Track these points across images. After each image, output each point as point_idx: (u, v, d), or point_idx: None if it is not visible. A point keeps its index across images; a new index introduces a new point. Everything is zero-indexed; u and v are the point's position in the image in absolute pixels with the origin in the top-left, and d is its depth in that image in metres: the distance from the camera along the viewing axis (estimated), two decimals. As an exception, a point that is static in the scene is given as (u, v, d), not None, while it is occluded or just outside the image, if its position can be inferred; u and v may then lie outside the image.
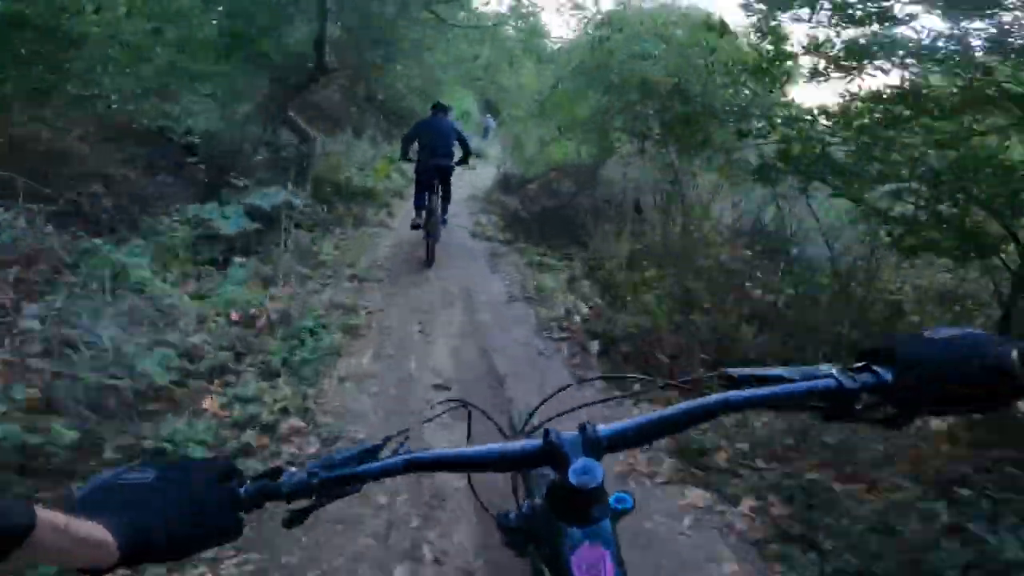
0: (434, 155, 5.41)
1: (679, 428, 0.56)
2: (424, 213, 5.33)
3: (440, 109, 5.70)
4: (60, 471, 1.83)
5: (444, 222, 5.80)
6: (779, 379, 0.54)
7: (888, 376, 0.52)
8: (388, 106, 12.47)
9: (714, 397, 0.55)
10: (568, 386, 0.76)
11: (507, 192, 9.44)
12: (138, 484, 0.47)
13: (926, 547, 1.55)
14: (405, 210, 6.99)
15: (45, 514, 0.39)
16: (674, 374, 2.73)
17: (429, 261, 5.29)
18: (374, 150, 10.14)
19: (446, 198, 5.70)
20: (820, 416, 0.54)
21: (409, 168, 6.13)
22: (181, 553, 0.46)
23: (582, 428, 0.54)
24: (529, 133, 9.60)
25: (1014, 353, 0.48)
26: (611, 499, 0.55)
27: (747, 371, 0.56)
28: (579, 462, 0.51)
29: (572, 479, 0.50)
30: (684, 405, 0.55)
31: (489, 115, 18.53)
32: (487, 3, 20.57)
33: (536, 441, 0.54)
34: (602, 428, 0.54)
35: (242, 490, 0.49)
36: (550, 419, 0.71)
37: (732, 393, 0.55)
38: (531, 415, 0.77)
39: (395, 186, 8.77)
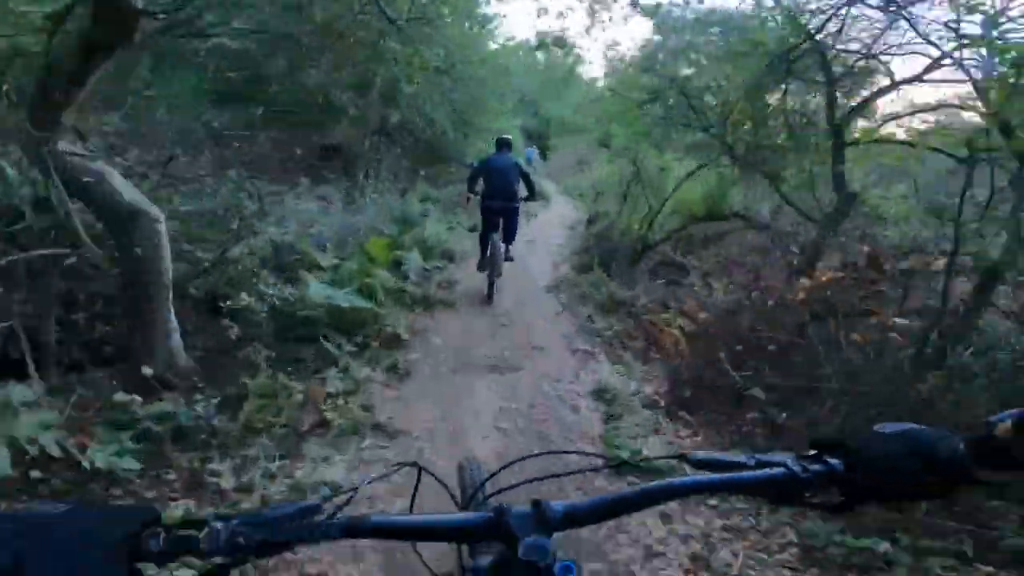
0: (496, 195, 5.45)
1: (635, 508, 0.56)
2: (488, 252, 5.46)
3: (504, 145, 5.71)
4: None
5: (510, 259, 5.89)
6: (736, 465, 0.56)
7: (839, 466, 0.55)
8: (412, 136, 9.02)
9: (673, 480, 0.55)
10: (527, 457, 0.74)
11: (610, 274, 6.33)
12: (48, 515, 0.44)
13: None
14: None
15: None
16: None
17: (490, 297, 5.46)
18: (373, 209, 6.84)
19: (509, 237, 5.76)
20: (771, 500, 0.58)
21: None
22: None
23: (535, 504, 0.53)
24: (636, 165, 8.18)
25: (961, 446, 0.51)
26: (557, 568, 0.52)
27: (705, 455, 0.58)
28: (529, 539, 0.49)
29: (521, 555, 0.49)
30: (642, 487, 0.56)
31: (532, 146, 18.63)
32: (512, 38, 21.00)
33: (486, 514, 0.53)
34: (556, 505, 0.53)
35: (154, 541, 0.46)
36: (501, 490, 0.70)
37: (690, 478, 0.56)
38: (483, 484, 0.75)
39: (417, 293, 5.16)
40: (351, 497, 0.55)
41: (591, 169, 16.11)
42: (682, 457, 0.58)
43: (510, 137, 6.04)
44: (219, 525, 0.47)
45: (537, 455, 0.75)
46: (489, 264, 5.41)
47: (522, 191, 5.66)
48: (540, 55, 28.34)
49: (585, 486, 2.33)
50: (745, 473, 0.55)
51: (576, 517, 0.53)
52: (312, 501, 0.51)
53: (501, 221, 5.55)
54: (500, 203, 5.46)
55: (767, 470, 0.55)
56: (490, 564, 0.54)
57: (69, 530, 0.44)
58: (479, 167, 5.71)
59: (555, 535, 0.52)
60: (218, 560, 0.47)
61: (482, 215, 5.64)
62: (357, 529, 0.50)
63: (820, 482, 0.54)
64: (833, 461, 0.55)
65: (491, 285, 5.44)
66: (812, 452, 0.57)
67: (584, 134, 19.54)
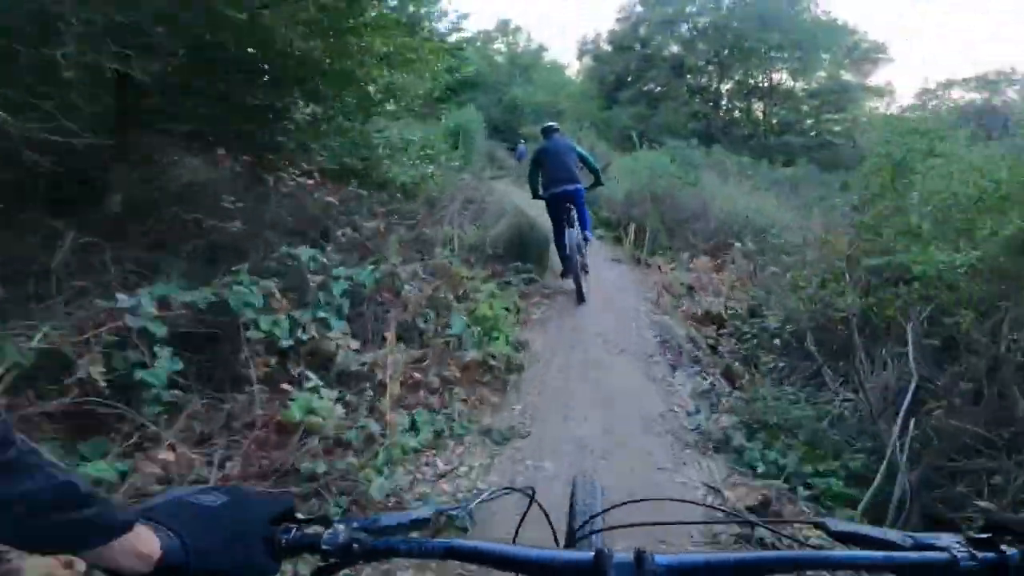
0: (558, 181, 5.02)
1: (753, 573, 0.50)
2: (568, 251, 4.98)
3: (552, 131, 5.31)
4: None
5: (587, 239, 5.28)
6: (885, 543, 0.50)
7: (1015, 557, 0.46)
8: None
9: (807, 553, 0.49)
10: (643, 500, 0.70)
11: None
12: (206, 506, 0.51)
13: None
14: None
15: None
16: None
17: (580, 297, 4.93)
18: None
19: (583, 219, 5.19)
20: None
21: None
22: None
23: (639, 554, 0.49)
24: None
25: None
26: None
27: (850, 527, 0.51)
28: None
29: None
30: (772, 553, 0.50)
31: (521, 142, 16.84)
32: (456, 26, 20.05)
33: (586, 555, 0.50)
34: (660, 558, 0.49)
35: (286, 536, 0.52)
36: (610, 528, 0.68)
37: (832, 552, 0.49)
38: (590, 520, 0.73)
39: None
40: (459, 514, 0.60)
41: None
42: (821, 525, 0.52)
43: (554, 124, 5.61)
44: (341, 526, 0.52)
45: (656, 500, 0.70)
46: (572, 266, 4.90)
47: (585, 179, 5.22)
48: (501, 44, 27.68)
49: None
50: (896, 553, 0.48)
51: (683, 574, 0.49)
52: (424, 513, 0.56)
53: (570, 208, 5.00)
54: (563, 188, 4.99)
55: (925, 553, 0.48)
56: None
57: (227, 519, 0.51)
58: (535, 158, 5.31)
59: None
60: (332, 560, 0.51)
61: (548, 209, 5.17)
62: (458, 551, 0.52)
63: (989, 574, 0.46)
64: (1010, 551, 0.47)
65: (579, 287, 4.92)
66: (985, 535, 0.49)
67: (565, 119, 18.43)
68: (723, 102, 25.68)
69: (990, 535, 0.48)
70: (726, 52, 24.25)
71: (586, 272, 5.16)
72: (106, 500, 0.45)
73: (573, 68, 29.62)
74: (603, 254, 7.14)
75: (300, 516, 0.54)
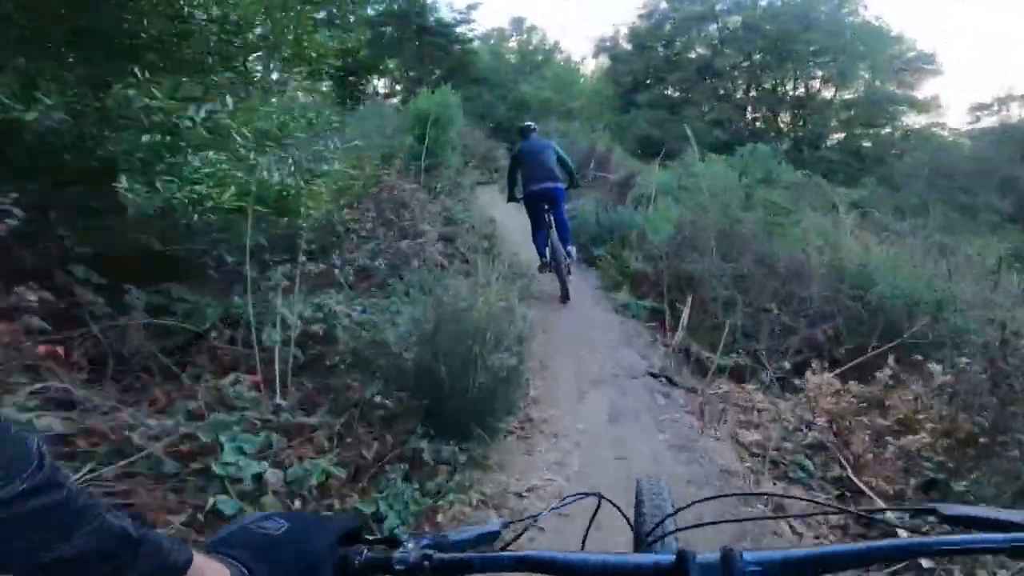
0: (535, 180, 4.96)
1: (855, 565, 0.47)
2: (548, 252, 4.98)
3: (530, 131, 5.29)
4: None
5: (570, 255, 5.09)
6: (1001, 524, 0.46)
7: None
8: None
9: (912, 540, 0.46)
10: (721, 496, 0.66)
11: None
12: (267, 534, 0.50)
13: None
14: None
15: (195, 555, 0.43)
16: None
17: (565, 297, 4.94)
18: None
19: (563, 228, 5.04)
20: None
21: None
22: None
23: (725, 552, 0.46)
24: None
25: None
26: None
27: (962, 510, 0.48)
28: None
29: None
30: (878, 543, 0.47)
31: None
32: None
33: (667, 557, 0.48)
34: (748, 555, 0.46)
35: (358, 557, 0.51)
36: (686, 527, 0.65)
37: (941, 538, 0.46)
38: (664, 520, 0.69)
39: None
40: (528, 526, 0.59)
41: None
42: (933, 511, 0.49)
43: (532, 124, 5.58)
44: (411, 544, 0.52)
45: (735, 495, 0.66)
46: (552, 259, 4.88)
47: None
48: (513, 43, 26.91)
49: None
50: (1019, 535, 0.46)
51: (776, 571, 0.46)
52: (492, 527, 0.56)
53: (548, 209, 4.96)
54: (542, 186, 4.93)
55: None
56: None
57: (291, 545, 0.50)
58: (512, 162, 5.28)
59: None
60: None
61: (527, 207, 5.14)
62: (532, 562, 0.51)
63: None
64: None
65: (563, 282, 4.89)
66: None
67: (575, 119, 16.99)
68: (749, 109, 24.58)
69: None
70: (758, 55, 23.33)
71: (569, 272, 5.04)
72: (160, 541, 0.42)
73: (588, 67, 28.76)
74: (630, 349, 4.10)
75: (369, 537, 0.54)
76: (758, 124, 24.42)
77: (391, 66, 18.76)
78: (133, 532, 0.40)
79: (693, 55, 24.60)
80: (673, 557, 0.47)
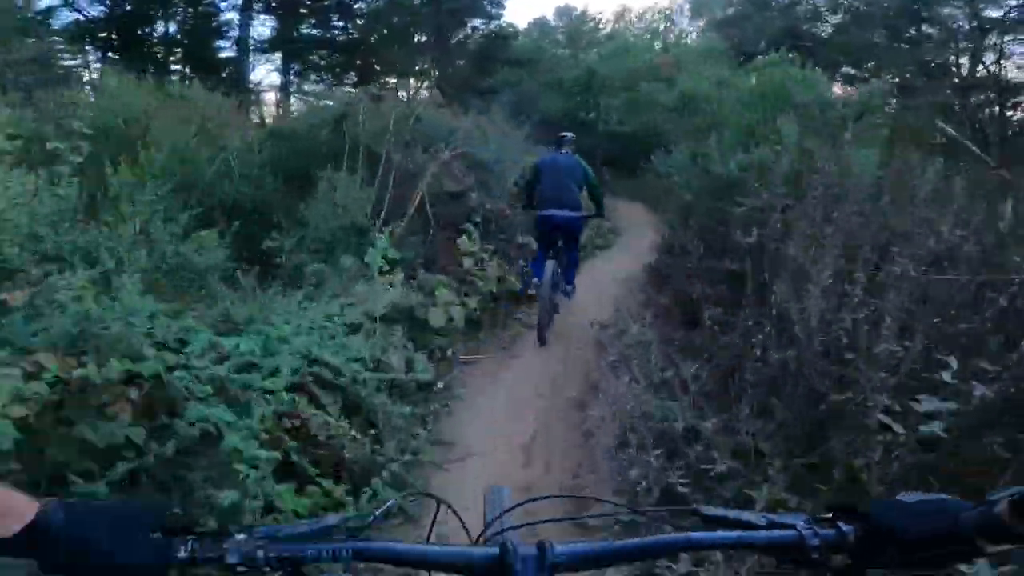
0: (548, 203, 4.20)
1: (638, 557, 0.59)
2: (539, 289, 4.05)
3: (564, 143, 4.50)
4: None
5: (567, 293, 4.46)
6: (747, 524, 0.57)
7: (850, 532, 0.54)
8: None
9: (678, 535, 0.56)
10: (546, 496, 0.76)
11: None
12: (96, 500, 0.54)
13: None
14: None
15: None
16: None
17: (541, 339, 4.10)
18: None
19: (570, 263, 4.41)
20: (779, 561, 0.57)
21: None
22: (95, 566, 0.48)
23: (540, 545, 0.54)
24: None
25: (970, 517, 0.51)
26: None
27: (718, 511, 0.58)
28: None
29: None
30: (650, 539, 0.56)
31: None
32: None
33: (492, 550, 0.54)
34: (560, 548, 0.54)
35: (183, 548, 0.49)
36: (521, 525, 0.71)
37: (696, 534, 0.56)
38: (499, 517, 0.77)
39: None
40: (368, 523, 0.59)
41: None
42: (695, 512, 0.59)
43: (568, 135, 4.66)
44: (242, 536, 0.51)
45: (563, 497, 0.76)
46: (540, 290, 4.01)
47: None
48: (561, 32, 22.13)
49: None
50: (757, 532, 0.55)
51: (579, 562, 0.55)
52: (328, 521, 0.55)
53: (559, 240, 4.20)
54: (555, 212, 4.15)
55: (778, 531, 0.55)
56: None
57: (115, 514, 0.50)
58: (531, 173, 4.55)
59: None
60: (239, 572, 0.50)
61: (536, 230, 4.50)
62: (368, 553, 0.54)
63: (829, 548, 0.54)
64: (846, 527, 0.54)
65: (543, 320, 4.07)
66: (827, 515, 0.56)
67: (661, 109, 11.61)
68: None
69: (831, 515, 0.56)
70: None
71: (557, 311, 4.34)
72: None
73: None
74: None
75: (196, 528, 0.52)
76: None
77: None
78: None
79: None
80: (498, 550, 0.54)
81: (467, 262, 4.74)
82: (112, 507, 0.52)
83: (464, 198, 5.63)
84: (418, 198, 5.07)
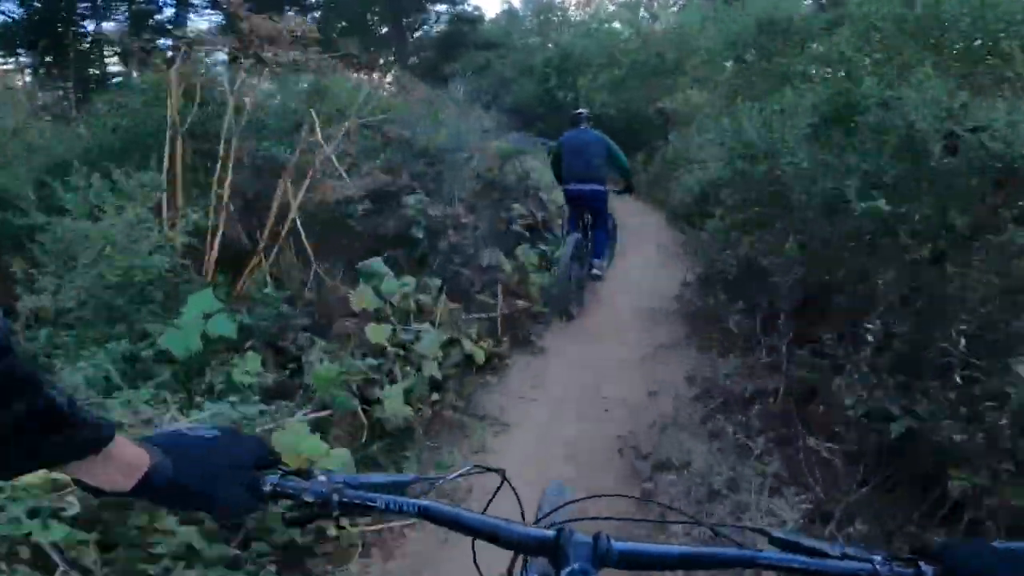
0: (572, 178, 4.39)
1: (698, 567, 0.57)
2: (562, 264, 3.99)
3: (580, 120, 4.57)
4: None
5: (597, 277, 4.46)
6: (819, 552, 0.54)
7: (930, 574, 0.52)
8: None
9: (743, 551, 0.55)
10: (613, 495, 0.75)
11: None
12: (201, 437, 0.56)
13: None
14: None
15: (119, 437, 0.49)
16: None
17: (568, 315, 4.17)
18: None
19: (599, 239, 4.46)
20: None
21: None
22: (197, 507, 0.56)
23: (596, 536, 0.54)
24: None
25: None
26: None
27: (789, 535, 0.56)
28: (575, 567, 0.52)
29: None
30: (712, 549, 0.56)
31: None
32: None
33: (549, 532, 0.55)
34: (616, 544, 0.54)
35: (271, 482, 0.56)
36: (580, 519, 0.70)
37: (764, 552, 0.55)
38: (563, 505, 0.78)
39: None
40: (435, 483, 0.64)
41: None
42: (765, 532, 0.57)
43: (584, 111, 4.75)
44: (323, 478, 0.57)
45: (627, 498, 0.75)
46: (569, 270, 3.96)
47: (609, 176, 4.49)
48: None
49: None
50: (828, 562, 0.54)
51: (634, 560, 0.54)
52: (403, 477, 0.60)
53: (586, 214, 4.41)
54: (578, 187, 4.33)
55: (851, 563, 0.53)
56: None
57: (219, 452, 0.55)
58: (555, 150, 4.68)
59: (604, 570, 0.53)
60: (311, 510, 0.56)
61: (566, 202, 4.65)
62: (432, 513, 0.57)
63: None
64: (926, 568, 0.52)
65: (572, 298, 4.13)
66: (909, 556, 0.54)
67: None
68: None
69: (913, 556, 0.54)
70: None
71: (580, 298, 4.30)
72: (87, 418, 0.45)
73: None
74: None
75: (285, 464, 0.59)
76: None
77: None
78: (65, 406, 0.43)
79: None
80: (554, 533, 0.55)
81: (375, 334, 2.66)
82: (213, 450, 0.56)
83: (391, 203, 4.12)
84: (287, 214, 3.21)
